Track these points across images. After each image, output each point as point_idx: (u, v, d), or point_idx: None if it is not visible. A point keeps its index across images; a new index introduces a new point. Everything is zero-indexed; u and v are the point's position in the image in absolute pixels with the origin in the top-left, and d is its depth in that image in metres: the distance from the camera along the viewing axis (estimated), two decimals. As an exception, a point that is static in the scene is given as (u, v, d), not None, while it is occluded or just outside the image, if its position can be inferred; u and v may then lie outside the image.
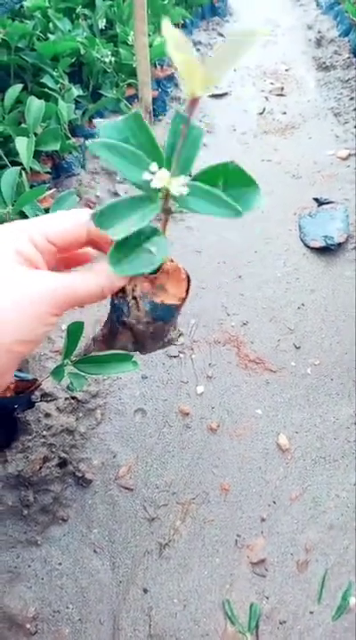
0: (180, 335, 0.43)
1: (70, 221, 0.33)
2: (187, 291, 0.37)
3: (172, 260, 0.38)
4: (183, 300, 0.37)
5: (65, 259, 0.38)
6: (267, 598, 0.92)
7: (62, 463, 1.02)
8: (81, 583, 0.93)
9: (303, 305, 1.43)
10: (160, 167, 0.30)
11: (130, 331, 0.38)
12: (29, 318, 0.30)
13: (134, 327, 0.37)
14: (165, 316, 0.36)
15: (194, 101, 0.26)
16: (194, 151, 0.31)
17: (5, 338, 0.29)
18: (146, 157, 0.30)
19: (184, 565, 0.96)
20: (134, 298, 0.36)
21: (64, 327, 1.26)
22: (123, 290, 0.35)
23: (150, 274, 0.36)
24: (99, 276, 0.33)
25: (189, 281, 0.37)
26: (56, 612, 0.90)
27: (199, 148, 0.31)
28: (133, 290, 0.35)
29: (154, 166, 0.29)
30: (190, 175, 0.31)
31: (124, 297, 0.36)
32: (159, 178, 0.28)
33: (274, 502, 1.04)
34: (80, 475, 1.03)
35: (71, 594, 0.92)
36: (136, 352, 0.41)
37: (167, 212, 0.32)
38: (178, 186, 0.28)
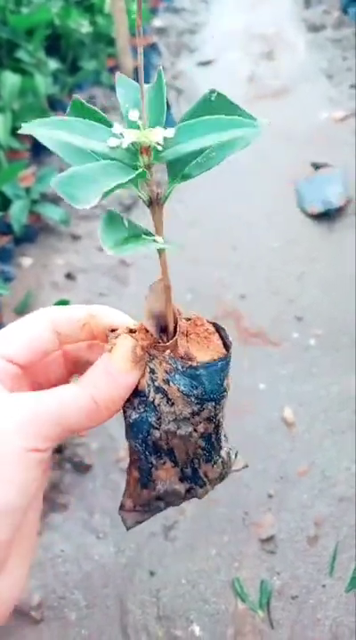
0: (236, 453, 0.30)
1: (31, 329, 0.25)
2: (225, 345, 0.26)
3: (188, 319, 0.26)
4: (226, 355, 0.25)
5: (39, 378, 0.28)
6: (278, 574, 0.89)
7: (59, 448, 0.98)
8: (85, 569, 0.91)
9: (303, 274, 1.38)
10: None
11: (170, 455, 0.26)
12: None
13: (176, 439, 0.26)
14: (213, 387, 0.25)
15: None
16: (162, 100, 0.23)
17: None
18: (103, 124, 0.22)
19: (191, 546, 0.93)
20: (160, 389, 0.25)
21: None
22: (136, 393, 0.25)
23: (163, 341, 0.25)
24: (90, 383, 0.24)
25: (220, 333, 0.26)
26: (61, 599, 0.88)
27: (165, 96, 0.24)
28: (154, 380, 0.25)
29: (118, 127, 0.22)
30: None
31: (143, 400, 0.25)
32: (130, 134, 0.21)
33: (281, 478, 1.01)
34: (78, 460, 1.00)
35: (76, 580, 0.89)
36: (191, 500, 0.28)
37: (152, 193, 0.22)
38: (158, 134, 0.21)
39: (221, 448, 0.28)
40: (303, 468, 1.02)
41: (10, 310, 1.19)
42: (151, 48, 2.08)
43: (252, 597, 0.87)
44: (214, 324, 0.26)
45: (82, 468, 1.00)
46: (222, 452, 0.28)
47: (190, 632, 0.85)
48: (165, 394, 0.25)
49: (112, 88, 1.92)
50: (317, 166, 1.71)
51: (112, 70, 1.79)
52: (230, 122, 0.20)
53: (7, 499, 0.21)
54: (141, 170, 0.21)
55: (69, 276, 1.31)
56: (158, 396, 0.25)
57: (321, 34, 2.62)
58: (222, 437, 0.28)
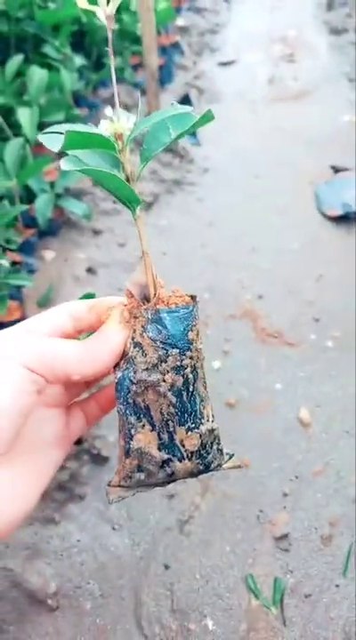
0: (231, 455, 0.33)
1: (53, 314, 0.31)
2: (193, 299, 0.30)
3: (178, 293, 0.31)
4: (187, 305, 0.29)
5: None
6: (291, 572, 0.90)
7: (78, 440, 1.00)
8: (101, 559, 0.92)
9: (321, 276, 1.38)
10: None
11: (147, 416, 0.29)
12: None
13: (149, 392, 0.29)
14: (175, 331, 0.29)
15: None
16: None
17: None
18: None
19: (205, 541, 0.94)
20: (137, 344, 0.29)
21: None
22: (123, 356, 0.30)
23: (145, 304, 0.30)
24: (87, 339, 0.29)
25: (194, 299, 0.31)
26: (77, 588, 0.89)
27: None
28: (133, 337, 0.29)
29: (103, 122, 0.29)
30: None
31: (126, 359, 0.29)
32: (105, 125, 0.28)
33: (297, 477, 1.01)
34: (96, 452, 1.01)
35: (91, 570, 0.90)
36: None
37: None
38: (124, 123, 0.28)
39: (199, 420, 0.30)
40: (318, 468, 1.02)
41: (32, 302, 1.21)
42: (174, 47, 2.09)
43: (265, 594, 0.88)
44: (192, 296, 0.31)
45: (99, 460, 1.01)
46: (202, 428, 0.30)
47: (204, 626, 0.85)
48: (140, 347, 0.29)
49: (135, 85, 1.93)
50: (337, 169, 1.71)
51: (136, 68, 1.81)
52: (170, 110, 0.28)
53: (1, 400, 0.26)
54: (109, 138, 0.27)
55: (90, 271, 1.33)
56: (136, 350, 0.29)
57: (343, 37, 2.61)
58: (202, 409, 0.30)
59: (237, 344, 1.24)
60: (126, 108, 1.86)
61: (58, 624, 0.85)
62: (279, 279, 1.39)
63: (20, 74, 1.48)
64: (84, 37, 1.79)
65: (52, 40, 1.61)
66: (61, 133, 0.26)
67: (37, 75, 1.40)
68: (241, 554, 0.92)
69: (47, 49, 1.59)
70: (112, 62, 0.28)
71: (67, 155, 0.27)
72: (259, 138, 1.90)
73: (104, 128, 0.27)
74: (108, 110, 0.28)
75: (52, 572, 0.90)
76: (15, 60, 1.45)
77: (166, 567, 0.91)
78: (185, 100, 1.76)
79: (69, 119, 1.49)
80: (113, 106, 0.28)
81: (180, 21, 2.45)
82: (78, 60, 1.65)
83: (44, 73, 1.42)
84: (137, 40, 1.77)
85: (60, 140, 0.25)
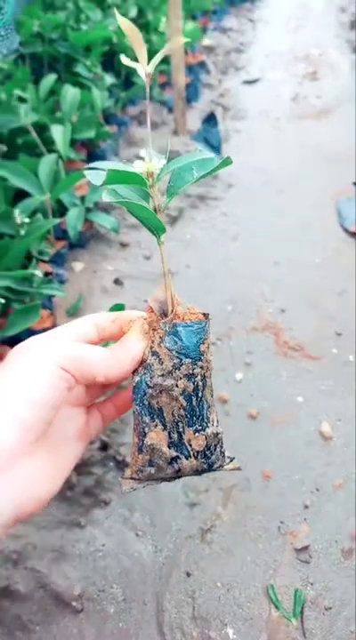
0: (232, 459, 0.36)
1: (81, 323, 0.35)
2: (206, 316, 0.34)
3: (192, 310, 0.35)
4: (200, 321, 0.33)
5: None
6: (311, 584, 0.90)
7: (104, 446, 1.02)
8: (124, 565, 0.93)
9: (344, 291, 1.39)
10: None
11: (160, 416, 0.33)
12: (37, 373, 0.29)
13: (163, 395, 0.32)
14: (189, 343, 0.32)
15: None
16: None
17: (11, 396, 0.29)
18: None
19: (227, 550, 0.95)
20: (155, 353, 0.33)
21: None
22: (142, 363, 0.33)
23: (163, 319, 0.34)
24: (112, 347, 0.33)
25: (206, 316, 0.34)
26: (101, 592, 0.91)
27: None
28: (152, 347, 0.33)
29: (137, 162, 0.33)
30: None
31: (144, 365, 0.33)
32: (138, 164, 0.32)
33: (317, 490, 1.02)
34: (121, 459, 1.04)
35: (115, 574, 0.92)
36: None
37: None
38: (155, 164, 0.32)
39: (205, 423, 0.34)
40: (339, 482, 1.03)
41: (62, 311, 1.25)
42: (200, 66, 2.15)
43: (285, 605, 0.88)
44: (204, 314, 0.34)
45: (124, 467, 1.04)
46: (208, 430, 0.34)
47: (224, 634, 0.86)
48: (157, 355, 0.32)
49: (162, 103, 1.99)
50: (359, 186, 1.73)
51: (163, 86, 1.86)
52: (195, 154, 0.33)
53: (37, 393, 0.29)
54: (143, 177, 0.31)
55: (118, 282, 1.37)
56: (153, 358, 0.32)
57: (366, 55, 2.64)
58: (208, 414, 0.34)
59: (259, 356, 1.26)
60: (153, 124, 1.91)
61: (82, 626, 0.87)
62: (301, 293, 1.40)
63: (53, 92, 1.54)
64: (114, 57, 1.86)
65: (84, 60, 1.68)
66: (103, 169, 0.31)
67: (70, 93, 1.47)
68: (262, 564, 0.93)
69: (79, 68, 1.66)
70: (148, 114, 0.33)
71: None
72: (282, 154, 1.93)
73: (138, 166, 0.31)
74: (142, 151, 0.32)
75: (78, 574, 0.92)
76: (49, 79, 1.52)
77: (188, 575, 0.92)
78: (211, 118, 1.81)
79: (100, 136, 1.54)
80: (146, 145, 0.33)
81: (206, 41, 2.51)
82: (108, 79, 1.71)
83: (77, 91, 1.48)
84: (165, 60, 1.83)
85: (102, 177, 0.30)
